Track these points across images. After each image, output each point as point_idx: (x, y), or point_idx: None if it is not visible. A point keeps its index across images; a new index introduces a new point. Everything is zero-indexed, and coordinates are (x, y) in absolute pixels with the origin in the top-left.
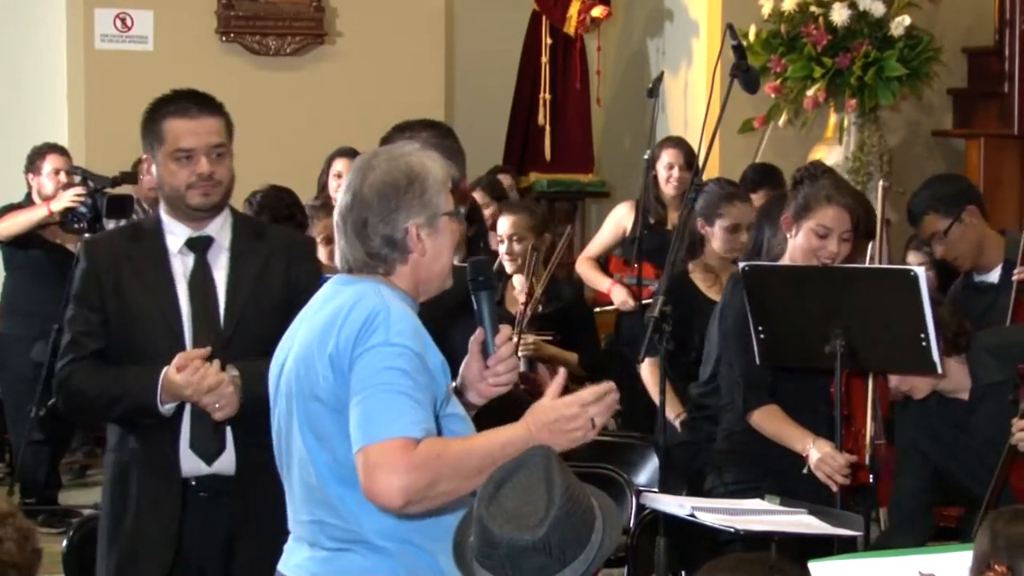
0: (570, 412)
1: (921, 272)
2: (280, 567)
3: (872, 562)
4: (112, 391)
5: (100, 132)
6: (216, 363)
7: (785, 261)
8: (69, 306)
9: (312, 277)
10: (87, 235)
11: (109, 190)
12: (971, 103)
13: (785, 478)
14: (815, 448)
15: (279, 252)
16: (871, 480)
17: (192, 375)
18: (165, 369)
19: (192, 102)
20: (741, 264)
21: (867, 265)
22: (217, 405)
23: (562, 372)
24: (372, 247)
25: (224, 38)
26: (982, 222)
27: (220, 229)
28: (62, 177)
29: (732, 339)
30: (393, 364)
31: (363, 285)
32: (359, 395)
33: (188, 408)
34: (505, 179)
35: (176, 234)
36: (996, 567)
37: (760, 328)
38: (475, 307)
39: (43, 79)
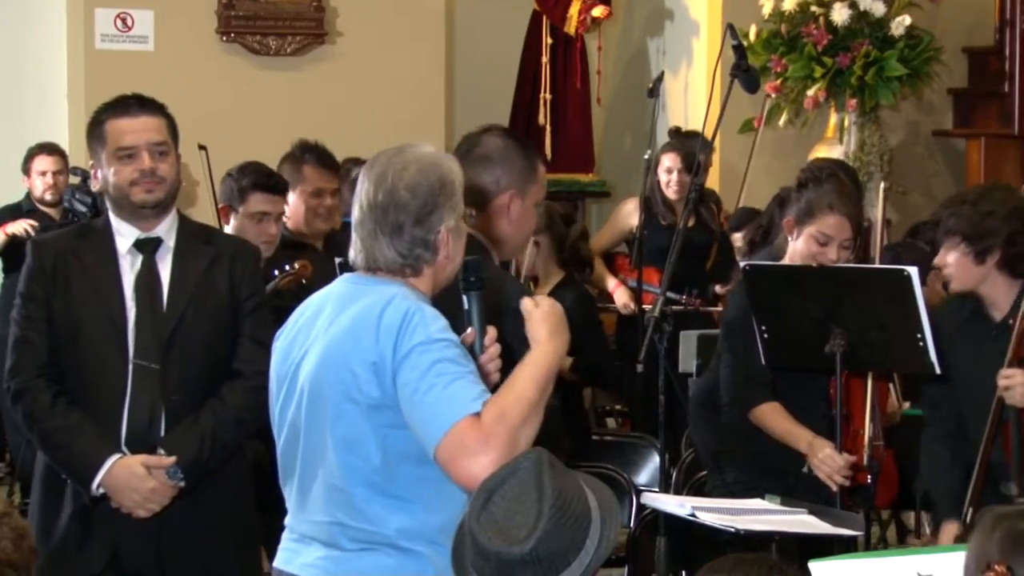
0: (545, 307)
1: (914, 272)
2: (282, 566)
3: (872, 562)
4: (58, 440)
5: None
6: (169, 485)
7: (785, 263)
8: (15, 303)
9: (255, 283)
10: (35, 236)
11: None
12: (971, 103)
13: (784, 477)
14: (815, 447)
15: (225, 256)
16: (868, 481)
17: (144, 487)
18: (115, 459)
19: (133, 102)
20: (742, 263)
21: (862, 265)
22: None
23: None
24: (404, 248)
25: (224, 38)
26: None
27: (168, 230)
28: (49, 179)
29: (734, 336)
30: (439, 357)
31: (388, 287)
32: (416, 396)
33: (126, 407)
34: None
35: (124, 235)
36: (996, 567)
37: (764, 328)
38: (465, 307)
39: (44, 79)
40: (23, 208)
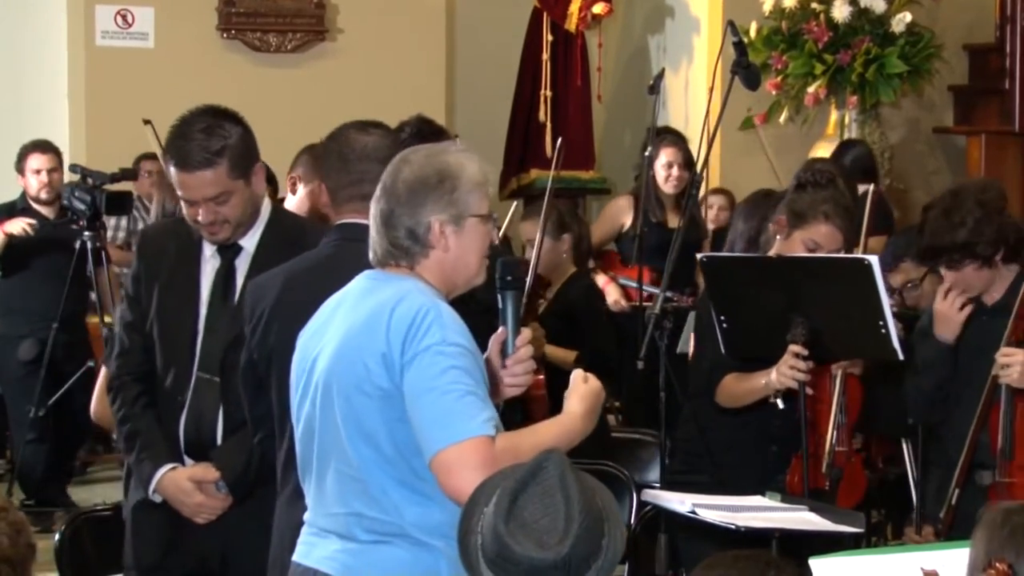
0: (594, 386)
1: (874, 260)
2: (300, 559)
3: (874, 559)
4: (130, 442)
5: (101, 129)
6: (219, 498)
7: (743, 254)
8: (122, 300)
9: None
10: (144, 227)
11: (108, 187)
12: (972, 100)
13: (728, 470)
14: (774, 373)
15: None
16: (827, 487)
17: (191, 501)
18: (166, 469)
19: (196, 148)
20: (699, 256)
21: (822, 255)
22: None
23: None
24: (395, 238)
25: (225, 35)
26: None
27: (251, 236)
28: (43, 176)
29: (703, 335)
30: (455, 364)
31: (403, 282)
32: (425, 397)
33: (183, 417)
34: None
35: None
36: (997, 564)
37: (723, 318)
38: (500, 306)
39: (44, 76)
40: (17, 207)
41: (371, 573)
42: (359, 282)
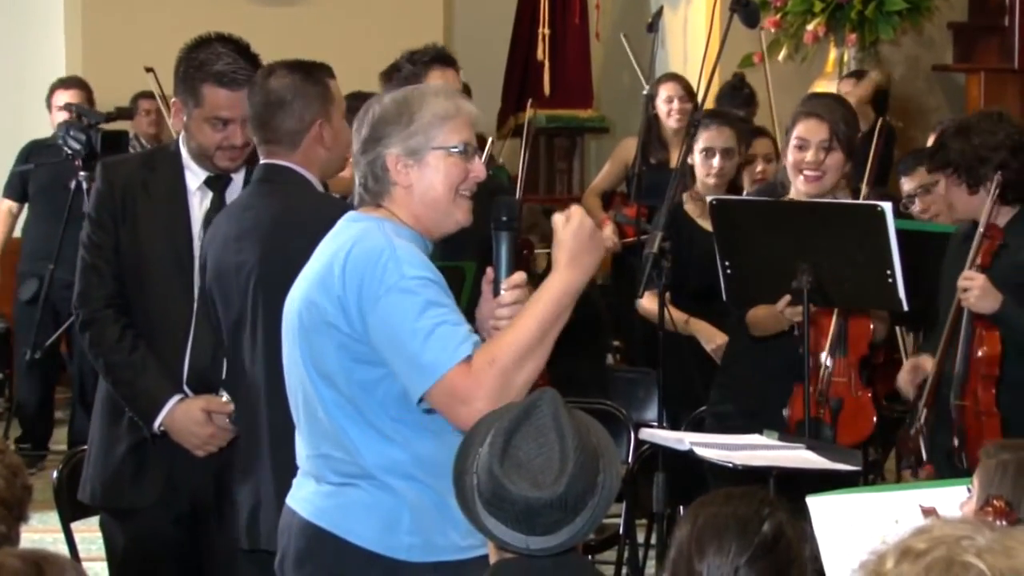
0: (573, 226)
1: (888, 208)
2: (288, 499)
3: (871, 496)
4: (123, 375)
5: (96, 69)
6: (228, 429)
7: (753, 198)
8: (84, 224)
9: None
10: (104, 159)
11: (104, 126)
12: (972, 37)
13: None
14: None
15: None
16: (829, 420)
17: (203, 432)
18: (176, 400)
19: (235, 67)
20: (709, 199)
21: (834, 200)
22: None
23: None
24: (362, 176)
25: None
26: None
27: (241, 170)
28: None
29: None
30: (419, 298)
31: (367, 223)
32: (397, 341)
33: (188, 348)
34: None
35: (195, 171)
36: (995, 502)
37: (727, 263)
38: (493, 245)
39: (40, 16)
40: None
41: (337, 516)
42: (337, 224)
